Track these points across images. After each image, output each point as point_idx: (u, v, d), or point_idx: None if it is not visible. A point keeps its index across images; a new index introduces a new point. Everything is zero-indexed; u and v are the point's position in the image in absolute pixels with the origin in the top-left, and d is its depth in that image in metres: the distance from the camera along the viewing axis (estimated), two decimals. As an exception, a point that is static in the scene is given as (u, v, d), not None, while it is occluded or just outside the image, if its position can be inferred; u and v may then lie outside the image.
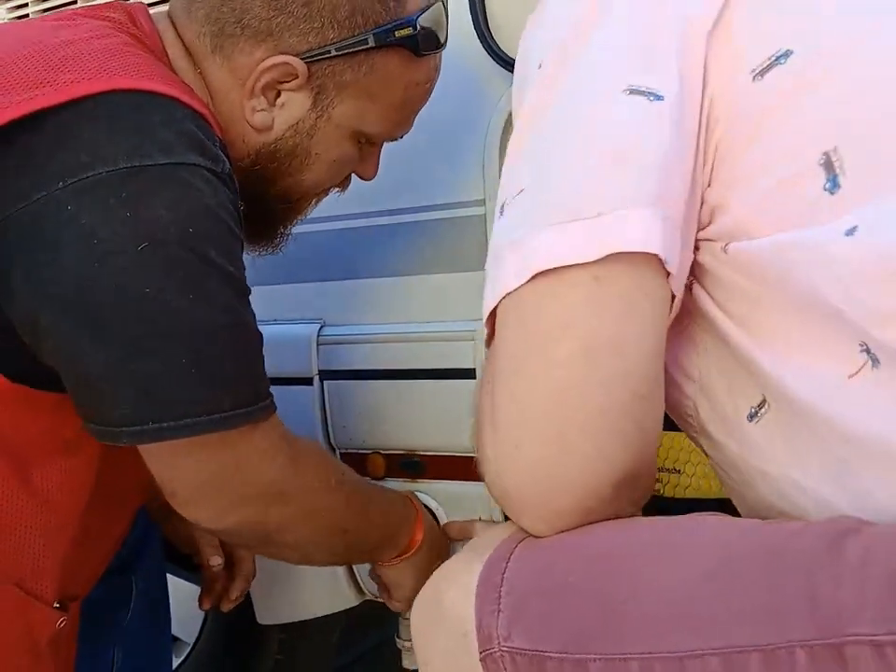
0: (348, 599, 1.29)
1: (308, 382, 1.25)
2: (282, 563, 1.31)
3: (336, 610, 1.32)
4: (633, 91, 0.59)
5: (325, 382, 1.25)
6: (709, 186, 0.61)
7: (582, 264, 0.57)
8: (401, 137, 1.03)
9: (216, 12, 0.88)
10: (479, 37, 1.08)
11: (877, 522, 0.53)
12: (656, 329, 0.60)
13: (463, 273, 1.16)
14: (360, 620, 1.47)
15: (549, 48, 0.65)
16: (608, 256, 0.57)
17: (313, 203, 1.04)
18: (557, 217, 0.59)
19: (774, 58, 0.57)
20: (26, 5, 1.52)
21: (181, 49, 0.90)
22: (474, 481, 1.15)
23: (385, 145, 1.03)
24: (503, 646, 0.58)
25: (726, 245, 0.60)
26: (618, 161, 0.59)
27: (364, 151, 1.00)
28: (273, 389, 1.28)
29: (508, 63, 1.07)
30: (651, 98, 0.58)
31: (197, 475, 0.85)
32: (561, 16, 0.66)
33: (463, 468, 1.16)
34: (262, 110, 0.90)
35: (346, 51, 0.89)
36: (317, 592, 1.32)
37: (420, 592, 0.66)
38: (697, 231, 0.62)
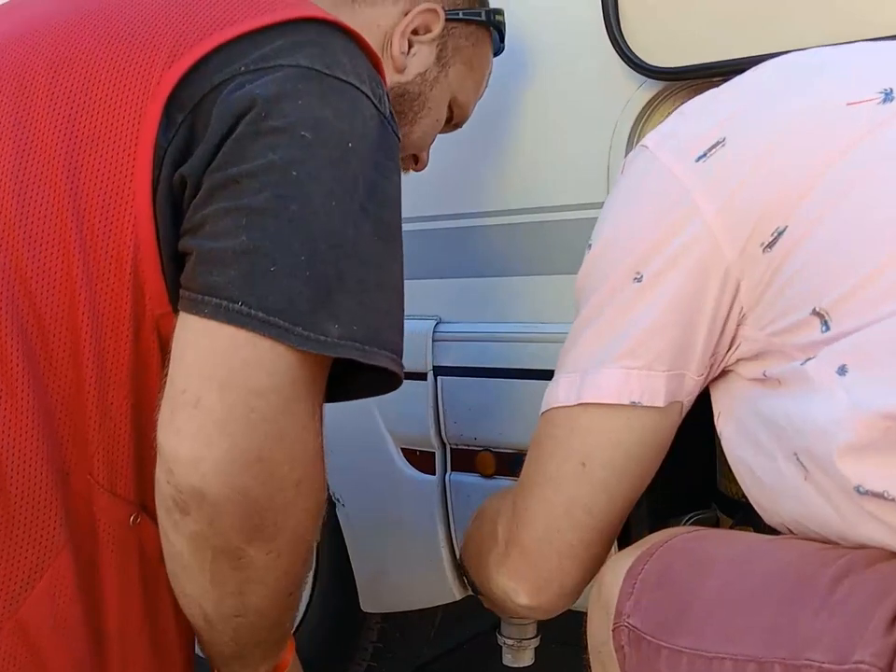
0: (452, 593, 1.31)
1: (422, 377, 1.27)
2: (389, 552, 1.35)
3: (439, 603, 1.34)
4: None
5: (438, 377, 1.26)
6: (740, 325, 0.72)
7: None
8: (459, 127, 1.12)
9: None
10: (610, 38, 1.07)
11: None
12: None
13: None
14: (457, 611, 1.49)
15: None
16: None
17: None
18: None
19: (777, 233, 0.67)
20: None
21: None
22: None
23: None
24: (626, 622, 0.68)
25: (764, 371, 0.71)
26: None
27: (439, 130, 1.08)
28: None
29: (638, 66, 1.07)
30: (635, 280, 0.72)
31: (238, 373, 0.67)
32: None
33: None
34: (403, 53, 0.99)
35: (468, 17, 1.04)
36: (423, 584, 1.33)
37: (595, 576, 0.77)
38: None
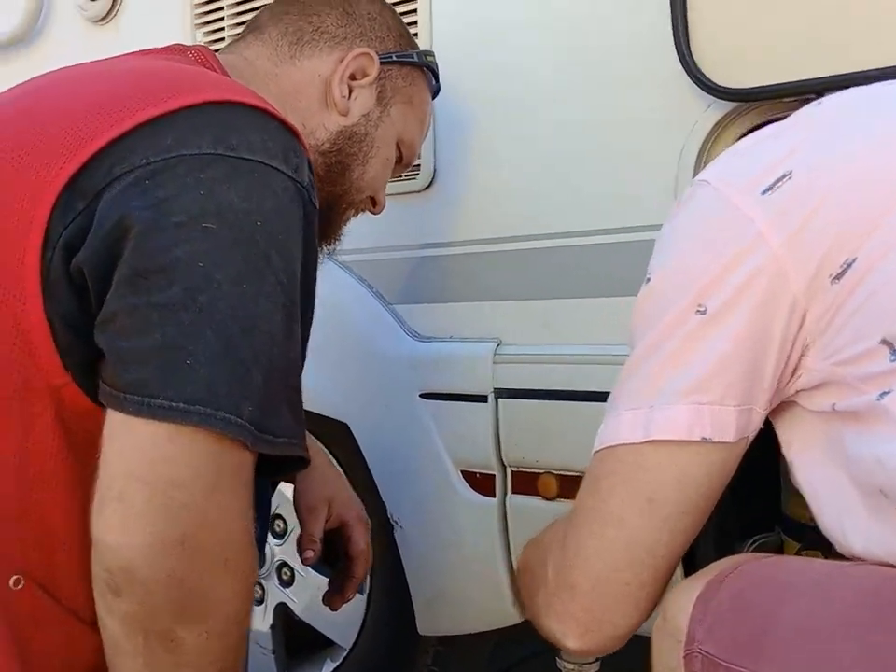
0: (511, 616, 1.30)
1: (483, 399, 1.27)
2: (448, 574, 1.34)
3: (498, 626, 1.32)
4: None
5: (500, 399, 1.26)
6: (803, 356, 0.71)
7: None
8: (405, 168, 1.19)
9: (293, 26, 1.05)
10: (679, 58, 1.07)
11: None
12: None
13: (647, 296, 1.15)
14: (514, 633, 1.47)
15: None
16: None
17: (355, 210, 1.13)
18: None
19: (846, 264, 0.67)
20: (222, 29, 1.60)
21: (249, 69, 1.01)
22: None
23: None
24: (700, 648, 0.67)
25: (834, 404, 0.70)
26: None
27: (391, 170, 1.14)
28: (449, 404, 1.31)
29: (708, 87, 1.06)
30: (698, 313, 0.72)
31: (160, 471, 0.70)
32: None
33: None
34: (344, 97, 1.05)
35: (401, 59, 1.10)
36: (482, 607, 1.32)
37: (659, 605, 0.76)
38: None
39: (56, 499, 0.77)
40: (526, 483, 1.25)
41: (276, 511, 1.59)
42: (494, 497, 1.28)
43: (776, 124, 0.80)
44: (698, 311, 0.71)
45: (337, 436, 1.42)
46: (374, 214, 1.16)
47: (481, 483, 1.29)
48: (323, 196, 0.95)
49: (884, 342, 0.64)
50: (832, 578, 0.65)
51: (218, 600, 0.73)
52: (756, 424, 0.73)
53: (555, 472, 1.22)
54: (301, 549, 1.14)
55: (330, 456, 1.29)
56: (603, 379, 1.17)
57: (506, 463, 1.27)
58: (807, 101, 1.04)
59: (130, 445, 0.71)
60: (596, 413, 1.18)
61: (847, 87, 0.97)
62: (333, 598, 1.18)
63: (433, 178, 1.35)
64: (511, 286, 1.27)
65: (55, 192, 0.74)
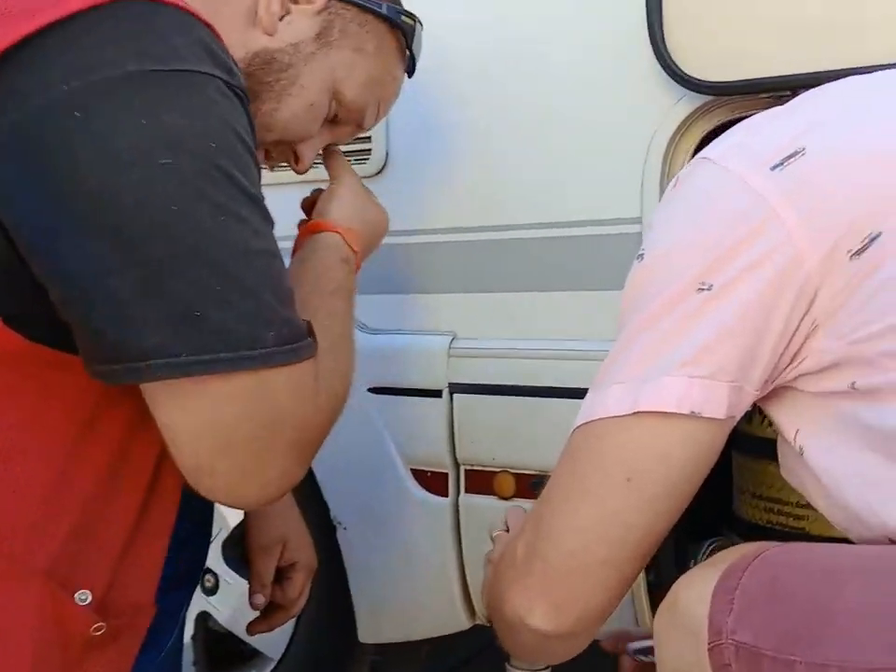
0: (461, 622, 1.26)
1: (437, 394, 1.22)
2: (395, 578, 1.29)
3: (447, 633, 1.28)
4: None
5: (454, 395, 1.22)
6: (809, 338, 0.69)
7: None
8: (349, 135, 1.03)
9: None
10: (653, 47, 1.05)
11: None
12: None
13: (611, 291, 1.13)
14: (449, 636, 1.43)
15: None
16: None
17: (262, 153, 0.97)
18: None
19: (869, 239, 0.66)
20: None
21: None
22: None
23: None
24: (730, 639, 0.64)
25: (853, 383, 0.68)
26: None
27: (324, 128, 0.99)
28: (400, 399, 1.26)
29: (681, 78, 1.05)
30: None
31: (226, 422, 0.71)
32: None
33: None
34: (274, 14, 0.90)
35: (364, 4, 0.96)
36: (431, 612, 1.28)
37: (660, 608, 0.72)
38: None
39: None
40: (481, 481, 1.21)
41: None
42: (446, 496, 1.23)
43: (775, 108, 0.79)
44: (701, 289, 0.69)
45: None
46: (297, 172, 1.01)
47: (432, 481, 1.24)
48: None
49: None
50: (882, 559, 0.63)
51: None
52: (745, 405, 0.71)
53: (512, 471, 1.19)
54: (251, 592, 1.07)
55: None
56: (564, 374, 1.15)
57: (460, 461, 1.22)
58: (781, 98, 1.05)
59: (191, 411, 0.70)
60: (557, 410, 1.17)
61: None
62: (257, 627, 1.12)
63: (385, 163, 1.30)
64: (466, 278, 1.23)
65: None
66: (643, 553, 0.72)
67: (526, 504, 1.18)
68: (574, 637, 0.75)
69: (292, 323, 0.73)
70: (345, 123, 1.01)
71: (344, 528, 1.31)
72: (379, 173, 1.30)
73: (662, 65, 1.05)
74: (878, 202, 0.66)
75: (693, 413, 0.68)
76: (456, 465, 1.23)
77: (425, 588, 1.26)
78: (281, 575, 1.07)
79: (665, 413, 0.68)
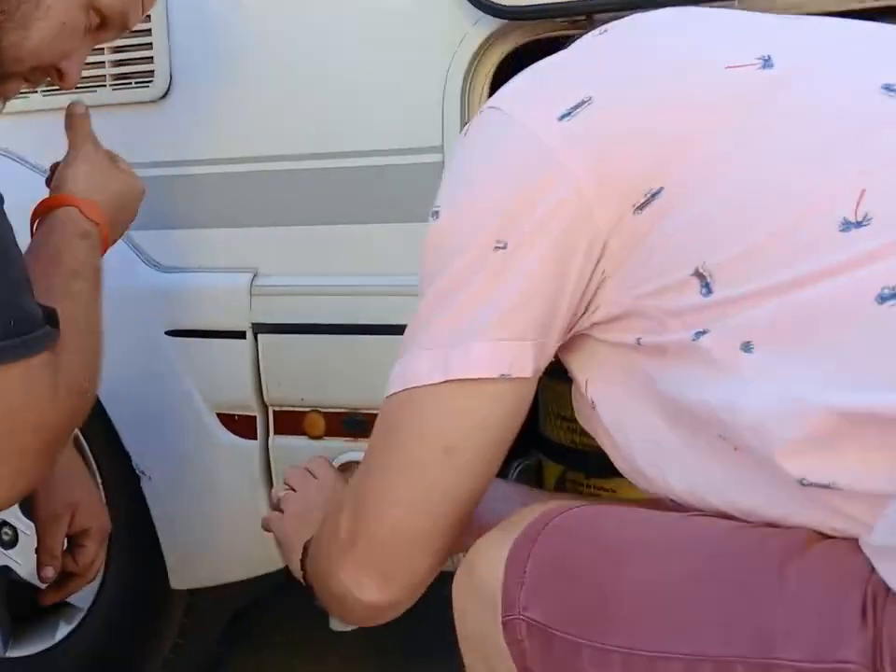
0: (276, 561, 1.23)
1: (240, 335, 1.17)
2: (205, 524, 1.25)
3: (261, 573, 1.26)
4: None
5: (259, 335, 1.17)
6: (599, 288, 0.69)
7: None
8: (120, 32, 0.93)
9: None
10: (450, -29, 1.01)
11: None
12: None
13: (416, 223, 1.11)
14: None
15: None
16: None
17: (20, 81, 0.89)
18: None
19: (650, 194, 0.66)
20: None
21: None
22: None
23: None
24: (522, 615, 0.64)
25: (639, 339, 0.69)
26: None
27: (86, 37, 0.90)
28: (200, 342, 1.20)
29: (478, 3, 1.01)
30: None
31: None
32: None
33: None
34: None
35: None
36: (244, 555, 1.25)
37: (458, 570, 0.72)
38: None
39: None
40: (291, 422, 1.18)
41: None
42: (255, 439, 1.19)
43: (563, 52, 0.76)
44: (497, 247, 0.67)
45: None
46: (65, 88, 0.91)
47: (239, 424, 1.20)
48: None
49: (697, 273, 0.63)
50: (667, 535, 0.64)
51: None
52: (548, 357, 0.71)
53: (322, 410, 1.16)
54: (39, 564, 0.99)
55: (76, 452, 1.09)
56: (371, 311, 1.12)
57: (268, 403, 1.18)
58: (576, 22, 1.03)
59: None
60: (365, 347, 1.14)
61: (614, 11, 0.97)
62: (48, 596, 1.05)
63: (169, 87, 1.19)
64: (265, 210, 1.17)
65: None
66: (465, 514, 0.72)
67: (336, 442, 1.17)
68: (405, 602, 0.75)
69: (23, 312, 0.67)
70: (109, 28, 0.91)
71: (149, 478, 1.25)
72: (163, 97, 1.20)
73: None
74: (661, 153, 0.65)
75: (502, 375, 0.67)
76: (265, 407, 1.19)
77: (236, 532, 1.23)
78: (72, 542, 1.01)
79: (476, 378, 0.67)
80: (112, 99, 1.20)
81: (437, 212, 0.72)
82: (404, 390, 0.70)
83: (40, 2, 0.81)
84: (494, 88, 1.07)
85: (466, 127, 0.76)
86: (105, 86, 1.22)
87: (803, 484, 0.57)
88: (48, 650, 1.45)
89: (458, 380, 0.68)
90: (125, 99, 1.18)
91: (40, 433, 0.69)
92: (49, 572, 0.98)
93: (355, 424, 1.15)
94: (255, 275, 1.17)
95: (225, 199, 1.18)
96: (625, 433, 0.71)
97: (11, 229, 0.70)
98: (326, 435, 1.17)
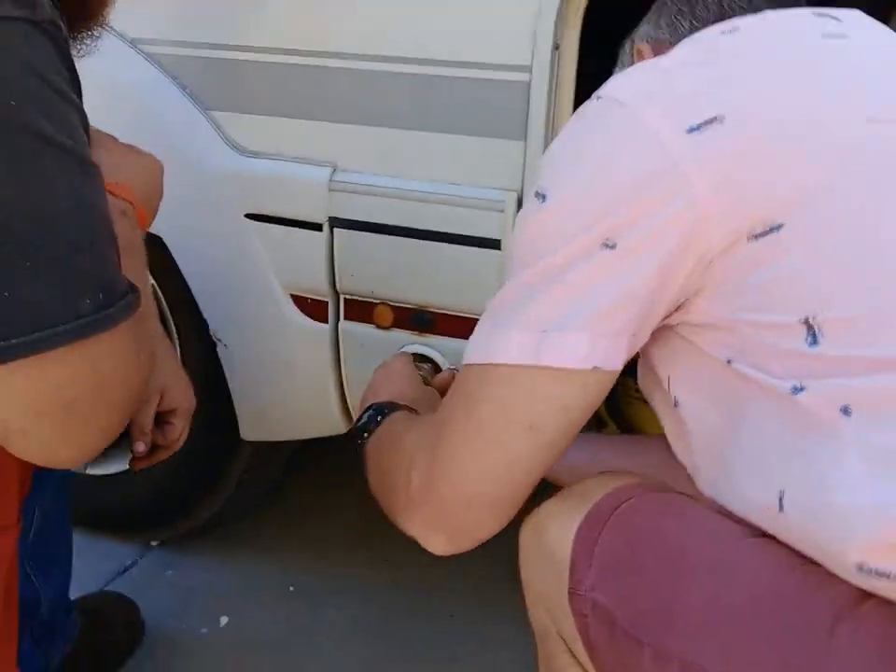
0: (338, 427, 1.35)
1: (317, 227, 1.22)
2: (275, 389, 1.35)
3: (324, 434, 1.38)
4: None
5: (335, 229, 1.22)
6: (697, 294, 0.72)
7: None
8: None
9: None
10: None
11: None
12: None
13: (495, 139, 1.13)
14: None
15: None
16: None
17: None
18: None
19: (770, 227, 0.67)
20: None
21: None
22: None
23: None
24: (590, 595, 0.71)
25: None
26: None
27: None
28: (278, 228, 1.24)
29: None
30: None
31: (41, 393, 0.69)
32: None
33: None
34: None
35: None
36: (309, 418, 1.37)
37: (527, 522, 0.79)
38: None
39: None
40: (361, 311, 1.25)
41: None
42: (326, 322, 1.27)
43: (689, 48, 0.76)
44: (606, 244, 0.69)
45: (149, 248, 1.32)
46: None
47: (312, 308, 1.28)
48: None
49: (805, 322, 0.65)
50: (733, 556, 0.68)
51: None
52: (636, 349, 0.75)
53: (391, 304, 1.24)
54: (131, 439, 1.08)
55: (166, 335, 1.16)
56: (445, 219, 1.16)
57: (339, 291, 1.26)
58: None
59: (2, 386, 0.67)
60: (438, 251, 1.19)
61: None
62: (140, 463, 1.13)
63: (256, -25, 1.18)
64: (348, 107, 1.19)
65: None
66: (535, 484, 0.76)
67: (403, 335, 1.25)
68: (467, 550, 0.79)
69: (109, 283, 0.71)
70: None
71: (225, 346, 1.34)
72: (251, -21, 1.19)
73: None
74: (787, 186, 0.66)
75: (595, 368, 0.70)
76: (336, 294, 1.26)
77: (304, 396, 1.34)
78: (161, 419, 1.09)
79: (569, 369, 0.70)
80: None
81: (543, 195, 0.73)
82: (489, 364, 0.73)
83: None
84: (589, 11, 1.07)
85: (581, 110, 0.76)
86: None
87: (860, 570, 0.61)
88: (126, 470, 1.60)
89: (550, 367, 0.71)
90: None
91: (125, 392, 0.74)
92: (141, 447, 1.07)
93: (422, 321, 1.23)
94: (334, 170, 1.21)
95: (312, 92, 1.20)
96: (699, 437, 0.75)
97: (104, 194, 0.74)
98: (393, 326, 1.25)
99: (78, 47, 0.87)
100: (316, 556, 1.63)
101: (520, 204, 1.13)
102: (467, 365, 0.76)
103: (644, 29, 0.94)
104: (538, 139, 1.11)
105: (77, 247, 0.69)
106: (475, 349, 0.76)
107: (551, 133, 1.11)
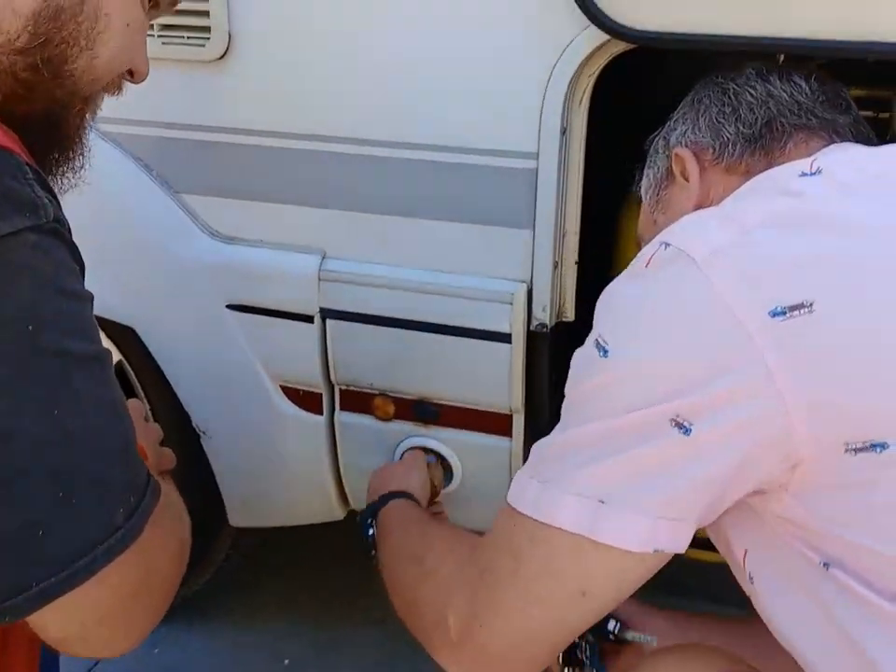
0: (335, 514, 1.29)
1: (308, 319, 1.14)
2: (265, 480, 1.28)
3: (319, 521, 1.32)
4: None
5: (327, 321, 1.14)
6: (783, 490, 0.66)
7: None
8: (173, 5, 0.88)
9: None
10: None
11: None
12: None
13: (501, 227, 1.06)
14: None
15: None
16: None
17: (101, 95, 0.82)
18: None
19: (871, 444, 0.61)
20: None
21: None
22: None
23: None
24: None
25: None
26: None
27: (146, 25, 0.84)
28: (264, 320, 1.16)
29: (586, 8, 0.92)
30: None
31: (103, 606, 0.68)
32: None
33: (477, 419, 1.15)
34: None
35: None
36: (304, 506, 1.30)
37: None
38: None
39: None
40: (358, 402, 1.18)
41: None
42: (320, 414, 1.20)
43: (767, 200, 0.69)
44: (677, 422, 0.64)
45: (124, 340, 1.23)
46: (136, 83, 0.84)
47: (304, 399, 1.20)
48: (41, 107, 0.73)
49: None
50: None
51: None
52: (704, 525, 0.71)
53: (392, 395, 1.17)
54: None
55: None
56: (450, 311, 1.10)
57: (334, 382, 1.18)
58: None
59: (58, 610, 0.64)
60: (440, 344, 1.12)
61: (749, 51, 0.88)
62: None
63: (228, 46, 1.07)
64: (341, 194, 1.10)
65: None
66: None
67: (406, 426, 1.19)
68: None
69: (137, 483, 0.68)
70: (160, 5, 0.85)
71: (210, 437, 1.26)
72: (222, 57, 1.08)
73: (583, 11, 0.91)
74: (887, 401, 0.60)
75: (656, 551, 0.67)
76: (331, 385, 1.19)
77: (299, 485, 1.27)
78: None
79: (626, 550, 0.67)
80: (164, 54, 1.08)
81: (605, 348, 0.67)
82: (541, 522, 0.69)
83: (98, 14, 0.74)
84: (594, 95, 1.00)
85: (647, 253, 0.69)
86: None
87: None
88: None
89: (606, 544, 0.67)
90: (181, 55, 1.07)
91: (170, 563, 0.72)
92: None
93: (426, 412, 1.16)
94: (324, 257, 1.13)
95: (302, 177, 1.11)
96: (779, 614, 0.71)
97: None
98: (395, 417, 1.18)
99: (60, 182, 0.80)
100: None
101: (530, 296, 1.07)
102: (512, 510, 0.72)
103: (681, 130, 0.87)
104: (547, 227, 1.04)
105: (111, 459, 0.66)
106: (523, 497, 0.72)
107: (561, 220, 1.05)
